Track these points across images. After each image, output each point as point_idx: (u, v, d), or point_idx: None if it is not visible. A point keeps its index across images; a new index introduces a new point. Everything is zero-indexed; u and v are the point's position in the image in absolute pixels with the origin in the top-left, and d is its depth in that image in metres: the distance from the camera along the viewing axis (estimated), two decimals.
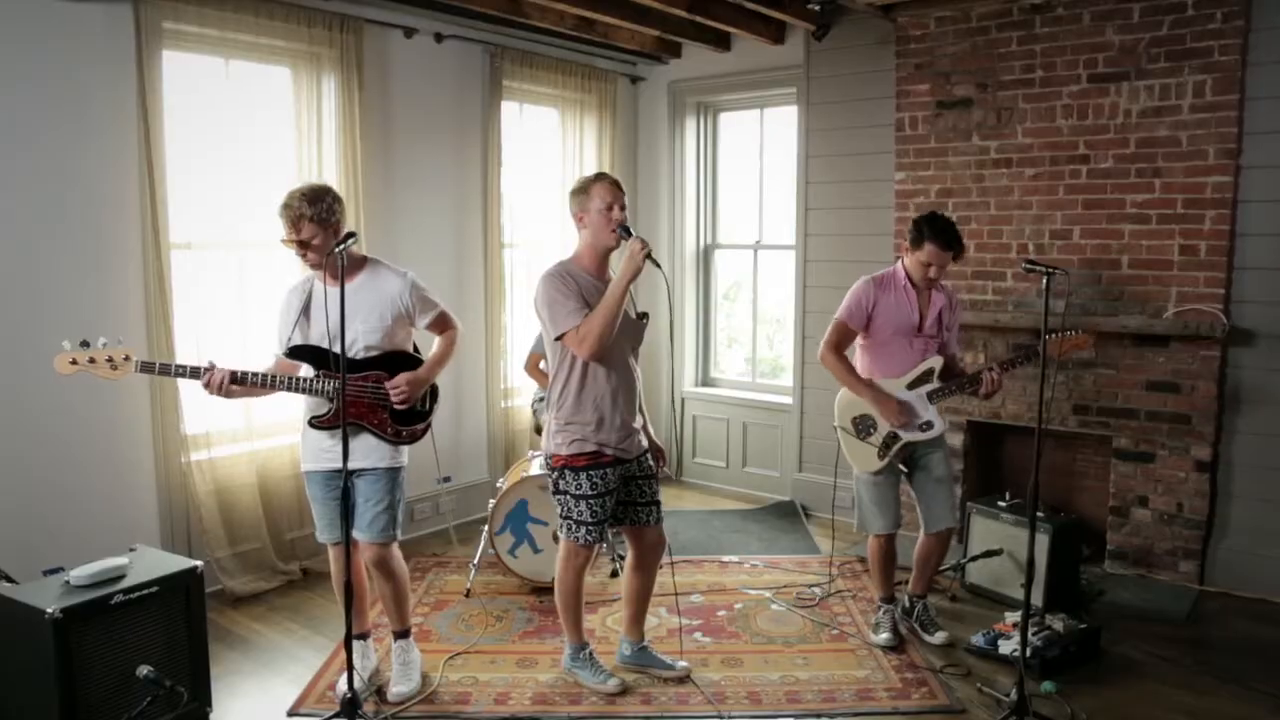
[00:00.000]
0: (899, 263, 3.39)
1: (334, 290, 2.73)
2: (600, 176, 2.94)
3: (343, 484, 2.68)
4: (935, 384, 3.30)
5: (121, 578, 2.64)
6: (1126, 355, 4.02)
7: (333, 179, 4.05)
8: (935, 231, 3.21)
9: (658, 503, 3.10)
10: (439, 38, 4.51)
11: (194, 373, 2.76)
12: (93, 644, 2.51)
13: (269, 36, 3.77)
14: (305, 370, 2.87)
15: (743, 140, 5.68)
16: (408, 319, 2.94)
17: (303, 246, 2.78)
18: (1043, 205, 4.19)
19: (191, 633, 2.74)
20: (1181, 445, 3.94)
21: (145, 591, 2.62)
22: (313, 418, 2.86)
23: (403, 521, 3.04)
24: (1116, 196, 4.02)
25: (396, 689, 3.03)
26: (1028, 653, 2.95)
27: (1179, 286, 3.91)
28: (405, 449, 2.99)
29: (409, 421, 2.96)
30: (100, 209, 3.47)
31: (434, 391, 3.04)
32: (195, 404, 3.70)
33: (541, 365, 4.34)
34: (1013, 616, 3.42)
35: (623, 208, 2.91)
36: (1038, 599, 3.50)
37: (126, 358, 2.70)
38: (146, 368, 2.74)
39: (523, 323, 4.98)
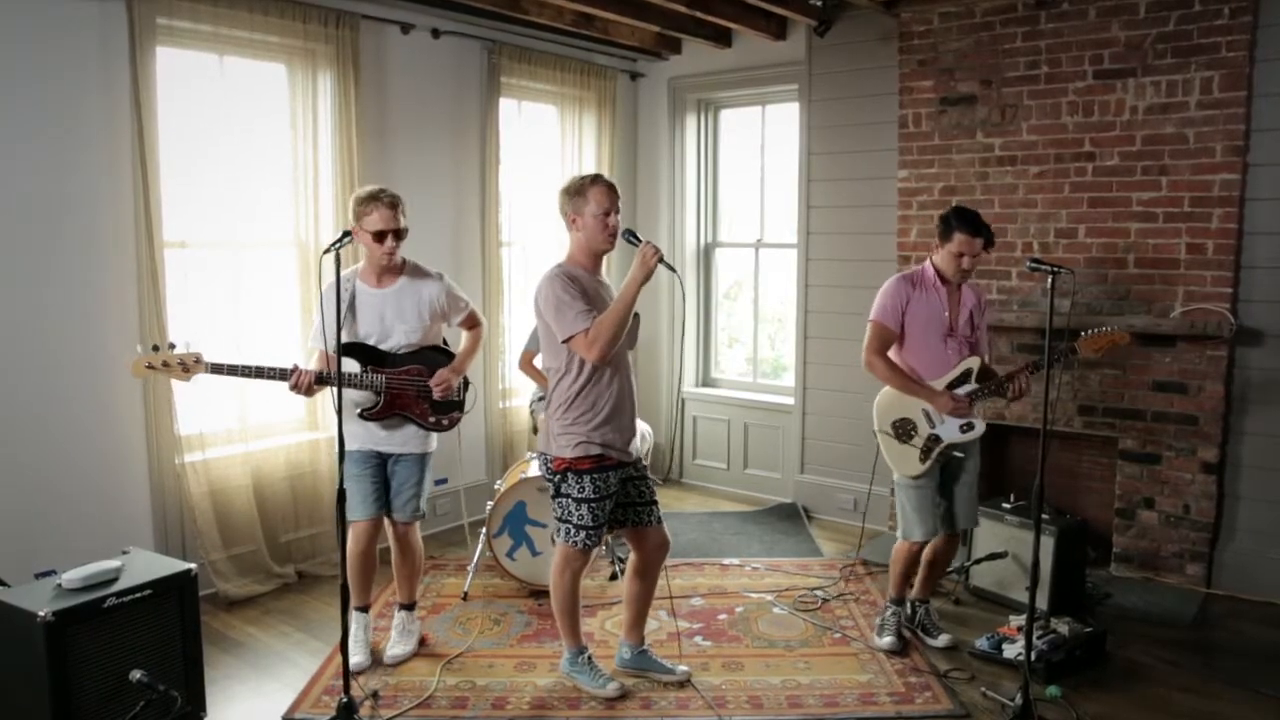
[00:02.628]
0: (927, 262, 3.35)
1: (378, 290, 3.11)
2: (596, 179, 2.89)
3: (339, 482, 2.73)
4: (974, 385, 3.26)
5: (115, 580, 2.62)
6: (1133, 355, 3.98)
7: (329, 177, 4.03)
8: (962, 220, 3.20)
9: (656, 502, 3.08)
10: (436, 34, 4.47)
11: (274, 373, 2.95)
12: (86, 648, 2.48)
13: (263, 32, 3.74)
14: (352, 365, 3.08)
15: (744, 137, 5.64)
16: (442, 317, 3.23)
17: (398, 236, 3.05)
18: (1048, 203, 4.15)
19: (185, 636, 2.72)
20: (1188, 446, 3.90)
21: (139, 594, 2.60)
22: (363, 410, 3.10)
23: (427, 498, 3.31)
24: (1122, 194, 3.98)
25: (392, 651, 3.26)
26: (1032, 657, 2.91)
27: (1186, 286, 3.87)
28: (434, 436, 3.26)
29: (446, 410, 3.24)
30: (93, 207, 3.44)
31: (465, 381, 3.32)
32: (189, 405, 3.67)
33: (536, 362, 4.31)
34: (1017, 620, 3.39)
35: (618, 212, 2.89)
36: (1043, 602, 3.46)
37: (197, 360, 2.89)
38: (217, 369, 2.91)
39: (521, 323, 4.94)
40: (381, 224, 3.00)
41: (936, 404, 3.24)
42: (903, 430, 3.31)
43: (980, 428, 3.27)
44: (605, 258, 3.01)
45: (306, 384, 2.96)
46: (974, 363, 3.28)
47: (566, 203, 2.90)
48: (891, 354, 3.37)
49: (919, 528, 3.33)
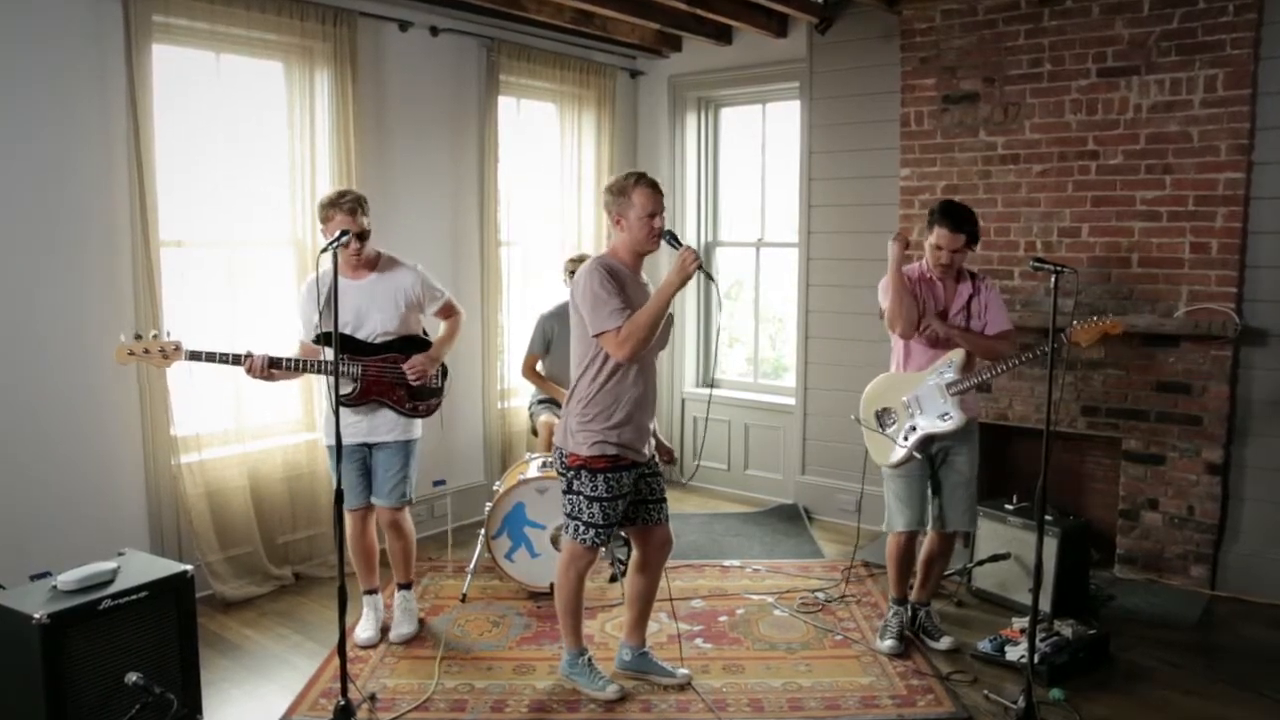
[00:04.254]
0: (924, 258, 3.34)
1: (353, 282, 3.20)
2: (640, 179, 2.87)
3: (335, 482, 2.79)
4: (953, 376, 3.23)
5: (110, 582, 2.60)
6: (1136, 355, 3.95)
7: (326, 176, 4.01)
8: (944, 213, 3.20)
9: (664, 500, 3.07)
10: (434, 31, 4.44)
11: (235, 359, 3.03)
12: (81, 650, 2.47)
13: (260, 30, 3.71)
14: (329, 354, 3.10)
15: (744, 136, 5.61)
16: (418, 307, 3.32)
17: (359, 239, 3.13)
18: (1051, 202, 4.13)
19: (182, 638, 2.71)
20: (1192, 447, 3.88)
21: (134, 596, 2.59)
22: (340, 396, 3.10)
23: (415, 485, 3.41)
24: (1126, 193, 3.95)
25: (398, 630, 3.40)
26: (1035, 659, 2.89)
27: (1190, 285, 3.84)
28: (419, 423, 3.35)
29: (423, 397, 3.34)
30: (89, 206, 3.41)
31: (444, 370, 3.42)
32: (185, 406, 3.65)
33: (538, 367, 4.28)
34: (1020, 622, 3.36)
35: (662, 212, 2.87)
36: (1046, 604, 3.44)
37: (176, 348, 2.97)
38: (194, 356, 3.00)
39: (520, 323, 4.91)
40: (346, 226, 3.03)
41: (893, 250, 3.23)
42: (882, 419, 3.34)
43: (957, 419, 3.21)
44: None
45: (259, 367, 3.04)
46: (956, 355, 3.26)
47: (611, 202, 2.87)
48: (892, 345, 3.38)
49: (900, 517, 3.35)
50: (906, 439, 3.27)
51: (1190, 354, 3.84)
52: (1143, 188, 3.91)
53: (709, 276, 2.83)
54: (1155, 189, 3.88)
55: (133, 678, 2.48)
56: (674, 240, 2.86)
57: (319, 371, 3.13)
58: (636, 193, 2.83)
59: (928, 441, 3.28)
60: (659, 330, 2.82)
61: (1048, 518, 3.10)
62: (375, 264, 3.26)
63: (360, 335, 3.21)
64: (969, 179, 4.32)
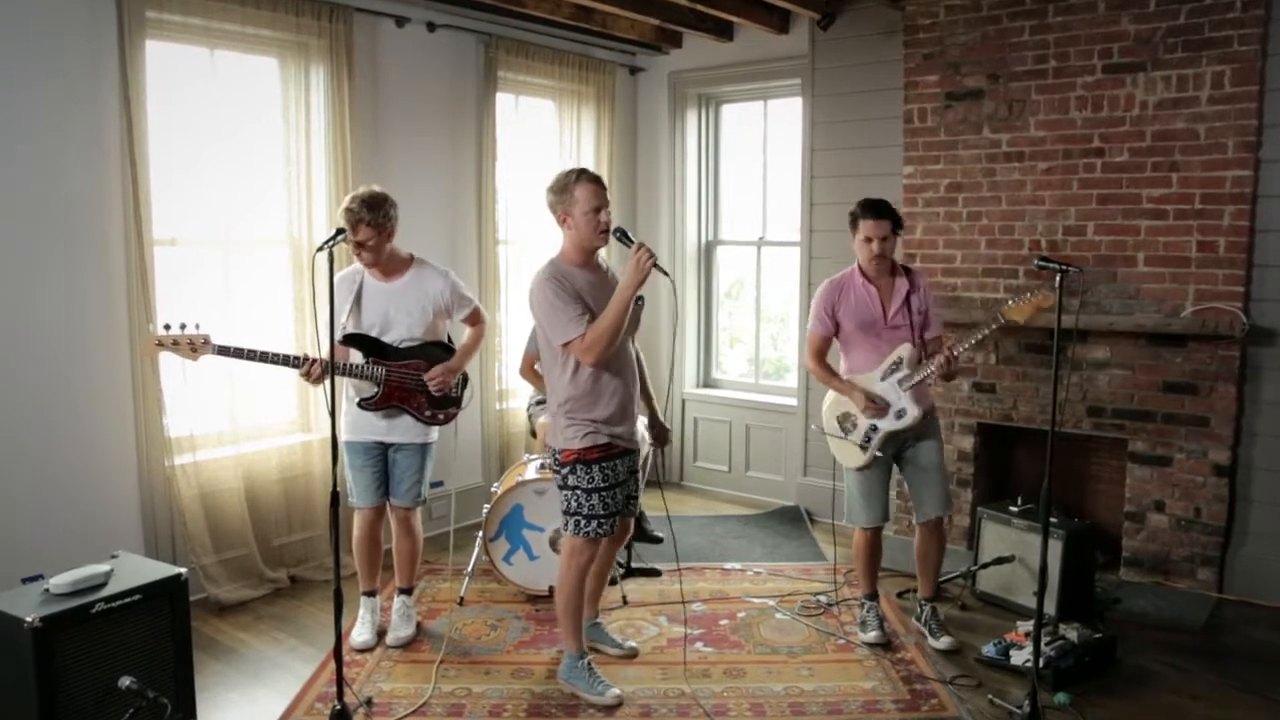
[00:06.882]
0: (856, 264, 3.40)
1: (382, 285, 3.22)
2: (581, 175, 2.85)
3: (333, 483, 2.69)
4: (905, 371, 3.31)
5: (103, 585, 2.59)
6: (1142, 355, 3.91)
7: (322, 173, 3.98)
8: (864, 207, 3.27)
9: (636, 498, 3.17)
10: (431, 27, 4.40)
11: (279, 359, 3.05)
12: (73, 654, 2.46)
13: (255, 26, 3.68)
14: (355, 356, 3.20)
15: (746, 133, 5.57)
16: (446, 313, 3.32)
17: (359, 247, 3.12)
18: (1056, 200, 4.09)
19: (175, 642, 2.70)
20: (1199, 448, 3.83)
21: (128, 600, 2.58)
22: (362, 399, 3.21)
23: (428, 485, 3.44)
24: (1132, 191, 3.91)
25: (395, 633, 3.39)
26: (1041, 663, 2.86)
27: (1197, 284, 3.80)
28: (435, 428, 3.35)
29: (443, 405, 3.34)
30: (82, 204, 3.38)
31: (464, 379, 3.42)
32: (179, 406, 3.61)
33: (536, 367, 4.24)
34: (1025, 626, 3.33)
35: (608, 206, 2.86)
36: (1051, 608, 3.41)
37: (205, 341, 2.97)
38: (221, 350, 2.99)
39: (518, 322, 4.88)
40: (353, 235, 3.10)
41: (853, 398, 3.33)
42: (844, 424, 3.41)
43: (913, 414, 3.28)
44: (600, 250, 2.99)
45: (319, 372, 3.04)
46: (904, 351, 3.31)
47: (556, 201, 2.87)
48: (840, 351, 3.47)
49: (864, 513, 3.41)
50: (869, 440, 3.33)
51: (1197, 354, 3.80)
52: (1149, 185, 3.87)
53: (664, 272, 2.77)
54: (1162, 187, 3.84)
55: (126, 682, 2.45)
56: (625, 237, 2.84)
57: (344, 373, 3.14)
58: (579, 188, 2.81)
59: (890, 439, 3.33)
60: (623, 330, 2.81)
61: (1052, 520, 3.09)
62: (406, 267, 3.24)
63: (386, 339, 3.21)
64: (973, 177, 4.28)
